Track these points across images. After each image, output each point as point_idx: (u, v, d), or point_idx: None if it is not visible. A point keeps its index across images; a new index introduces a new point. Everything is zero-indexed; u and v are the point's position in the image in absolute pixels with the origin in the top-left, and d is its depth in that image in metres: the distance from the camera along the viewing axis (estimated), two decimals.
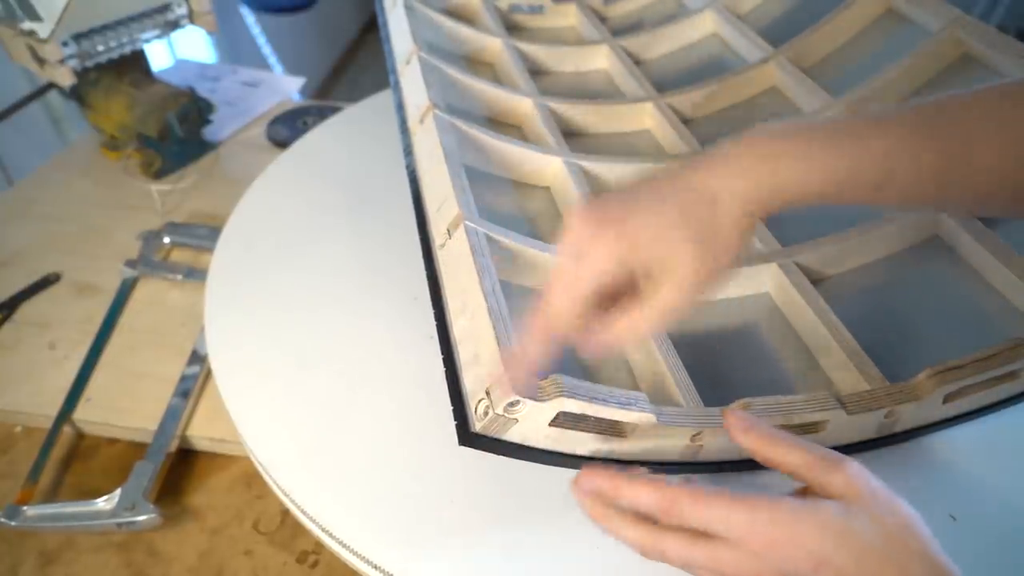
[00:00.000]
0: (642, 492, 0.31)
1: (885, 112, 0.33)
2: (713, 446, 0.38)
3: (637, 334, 0.33)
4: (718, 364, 0.45)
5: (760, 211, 0.32)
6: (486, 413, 0.33)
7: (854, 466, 0.30)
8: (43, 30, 0.71)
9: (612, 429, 0.36)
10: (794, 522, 0.29)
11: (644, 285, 0.32)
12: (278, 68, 2.00)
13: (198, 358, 0.60)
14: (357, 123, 0.78)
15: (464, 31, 0.72)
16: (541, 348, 0.32)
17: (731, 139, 0.33)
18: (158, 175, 0.83)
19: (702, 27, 0.74)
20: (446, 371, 0.37)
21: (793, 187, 0.32)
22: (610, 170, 0.56)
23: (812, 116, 0.33)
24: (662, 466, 0.39)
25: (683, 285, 0.31)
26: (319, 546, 0.50)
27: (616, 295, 0.33)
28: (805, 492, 0.31)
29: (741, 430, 0.33)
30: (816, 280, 0.48)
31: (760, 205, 0.32)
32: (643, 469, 0.34)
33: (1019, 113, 0.32)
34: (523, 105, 0.62)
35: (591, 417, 0.35)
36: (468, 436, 0.34)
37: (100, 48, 0.76)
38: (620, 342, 0.33)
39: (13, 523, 0.49)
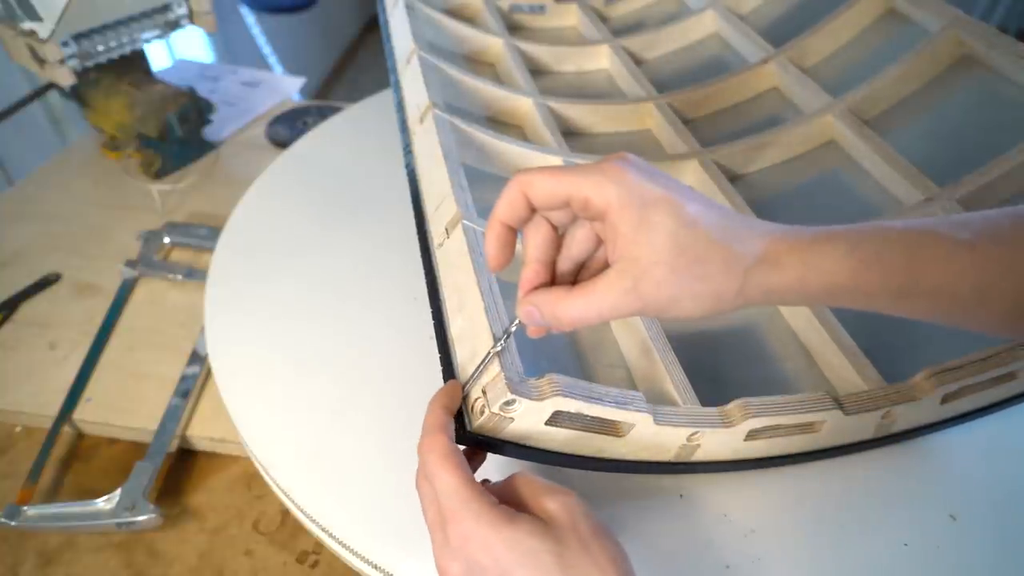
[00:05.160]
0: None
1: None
2: (710, 446, 0.38)
3: (558, 315, 0.31)
4: (716, 364, 0.45)
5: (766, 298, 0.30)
6: (482, 412, 0.33)
7: (573, 498, 0.31)
8: (43, 30, 0.71)
9: (608, 428, 0.36)
10: (492, 526, 0.29)
11: (609, 261, 0.30)
12: (278, 68, 2.00)
13: (198, 358, 0.60)
14: (357, 123, 0.78)
15: (465, 31, 0.72)
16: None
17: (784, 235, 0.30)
18: (158, 175, 0.83)
19: (703, 27, 0.74)
20: (443, 370, 0.37)
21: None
22: None
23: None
24: (659, 465, 0.39)
25: (635, 292, 0.29)
26: (319, 546, 0.50)
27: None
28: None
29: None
30: None
31: (775, 295, 0.30)
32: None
33: None
34: (523, 105, 0.62)
35: (587, 416, 0.35)
36: (464, 435, 0.34)
37: (100, 48, 0.76)
38: (541, 317, 0.31)
39: (13, 523, 0.49)
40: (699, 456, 0.39)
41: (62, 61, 0.73)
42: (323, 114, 0.89)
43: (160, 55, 1.29)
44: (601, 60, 0.73)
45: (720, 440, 0.38)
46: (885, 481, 0.43)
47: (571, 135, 0.63)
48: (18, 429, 0.59)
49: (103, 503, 0.50)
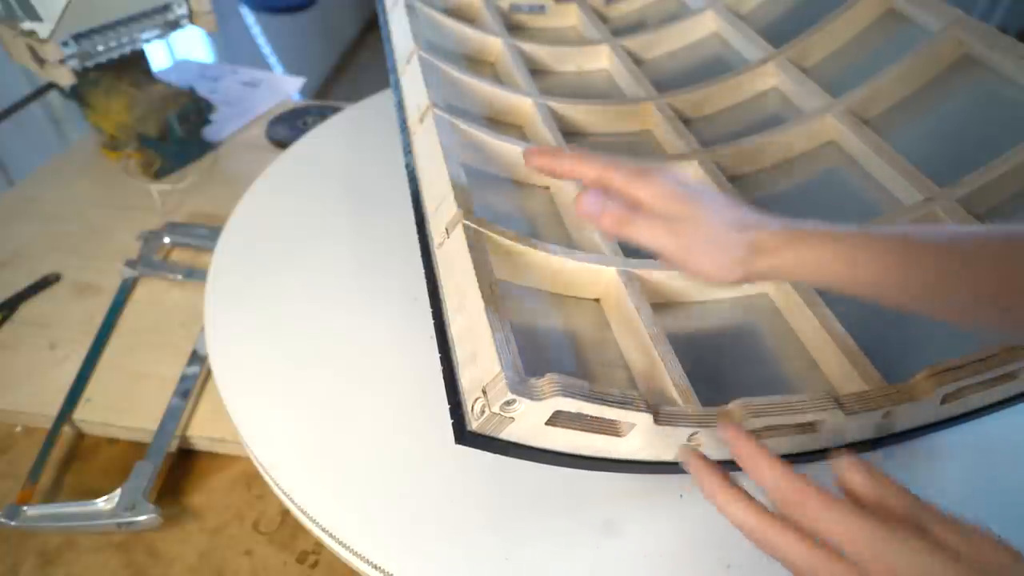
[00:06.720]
0: (777, 475, 0.30)
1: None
2: (710, 446, 0.38)
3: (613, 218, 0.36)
4: (717, 364, 0.45)
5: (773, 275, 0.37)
6: (483, 412, 0.33)
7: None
8: (43, 30, 0.71)
9: (609, 428, 0.36)
10: (924, 559, 0.27)
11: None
12: (278, 68, 2.00)
13: (198, 358, 0.60)
14: (357, 123, 0.78)
15: (465, 31, 0.72)
16: None
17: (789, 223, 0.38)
18: (158, 175, 0.83)
19: (703, 27, 0.74)
20: (443, 370, 0.37)
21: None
22: None
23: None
24: (659, 465, 0.39)
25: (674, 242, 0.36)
26: (319, 546, 0.50)
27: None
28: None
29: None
30: None
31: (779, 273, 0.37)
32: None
33: None
34: (523, 105, 0.62)
35: (587, 416, 0.35)
36: (464, 435, 0.34)
37: (100, 48, 0.76)
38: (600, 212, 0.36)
39: (13, 523, 0.49)
40: None
41: (62, 61, 0.73)
42: (323, 114, 0.89)
43: (160, 55, 1.29)
44: (601, 60, 0.73)
45: (720, 440, 0.38)
46: None
47: (571, 135, 0.63)
48: (18, 429, 0.59)
49: (103, 503, 0.50)
